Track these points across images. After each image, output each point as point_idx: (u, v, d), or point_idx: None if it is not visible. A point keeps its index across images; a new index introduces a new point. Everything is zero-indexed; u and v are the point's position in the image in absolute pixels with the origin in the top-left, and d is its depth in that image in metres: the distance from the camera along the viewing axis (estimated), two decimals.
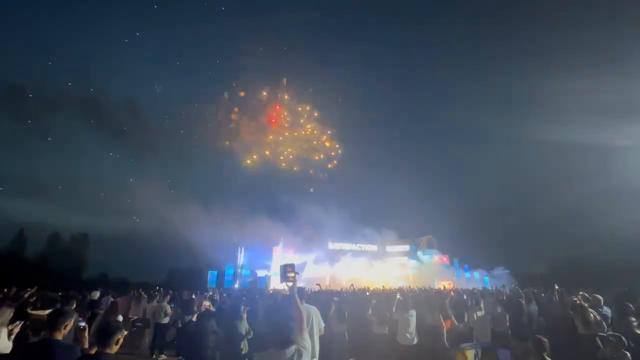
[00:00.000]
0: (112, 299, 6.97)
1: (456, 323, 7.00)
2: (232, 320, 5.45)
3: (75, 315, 2.90)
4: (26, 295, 5.80)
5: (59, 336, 2.52)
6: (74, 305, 5.35)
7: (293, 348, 2.26)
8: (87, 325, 3.06)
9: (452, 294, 10.40)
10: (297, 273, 2.94)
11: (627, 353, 3.37)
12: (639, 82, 36.42)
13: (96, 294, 7.88)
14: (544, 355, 2.96)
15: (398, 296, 7.07)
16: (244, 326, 5.39)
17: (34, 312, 5.47)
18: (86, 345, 2.87)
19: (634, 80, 36.63)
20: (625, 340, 3.48)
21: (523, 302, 6.41)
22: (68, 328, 2.63)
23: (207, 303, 6.55)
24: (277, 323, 2.35)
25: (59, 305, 6.14)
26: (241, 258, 30.63)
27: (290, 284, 2.87)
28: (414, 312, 6.17)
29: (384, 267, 36.21)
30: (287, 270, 2.89)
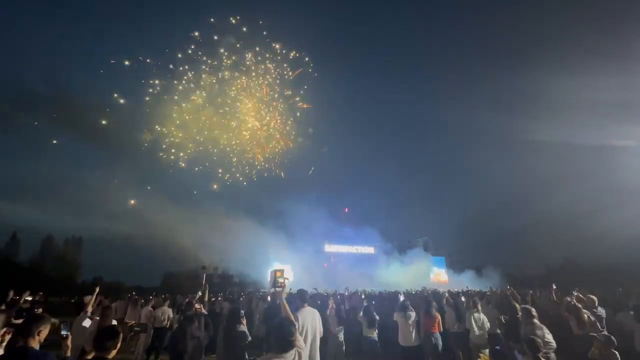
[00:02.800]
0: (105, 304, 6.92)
1: (454, 324, 7.05)
2: (231, 324, 5.44)
3: (53, 322, 2.82)
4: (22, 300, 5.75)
5: (33, 343, 2.43)
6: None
7: (293, 351, 2.28)
8: (69, 334, 2.97)
9: (447, 295, 10.44)
10: (287, 279, 2.95)
11: (616, 352, 3.41)
12: (637, 83, 36.64)
13: (88, 298, 7.82)
14: (538, 355, 2.99)
15: (402, 297, 7.06)
16: (243, 330, 5.37)
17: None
18: (68, 354, 2.81)
19: (633, 81, 36.87)
20: (615, 340, 3.52)
21: (516, 304, 6.48)
22: (42, 334, 2.54)
23: (197, 306, 6.48)
24: (278, 327, 2.37)
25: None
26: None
27: (279, 289, 2.88)
28: (413, 314, 6.20)
29: (382, 269, 36.21)
30: (276, 276, 2.90)
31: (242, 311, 5.94)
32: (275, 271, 2.98)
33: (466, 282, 31.25)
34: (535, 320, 4.50)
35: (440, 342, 6.18)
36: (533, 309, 4.73)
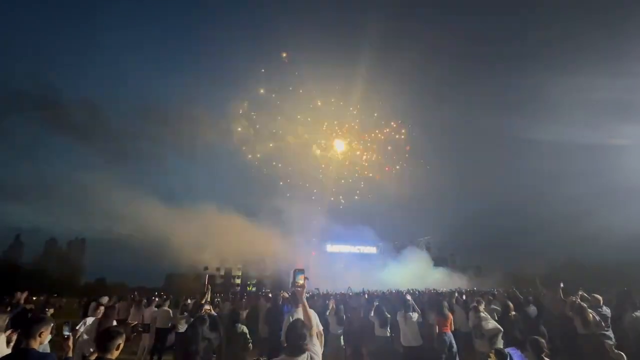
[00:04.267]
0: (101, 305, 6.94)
1: (455, 325, 7.01)
2: (232, 323, 5.48)
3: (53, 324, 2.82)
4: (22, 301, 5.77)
5: (35, 345, 2.45)
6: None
7: (305, 355, 2.25)
8: (71, 335, 2.97)
9: (457, 295, 10.39)
10: (307, 279, 2.92)
11: (622, 354, 3.38)
12: (635, 82, 36.34)
13: (104, 299, 7.88)
14: (542, 355, 2.97)
15: (408, 297, 7.03)
16: (243, 329, 5.39)
17: None
18: (70, 354, 2.81)
19: (632, 81, 36.56)
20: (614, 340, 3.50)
21: (509, 302, 6.45)
22: (44, 336, 2.56)
23: (207, 307, 6.51)
24: (292, 330, 2.32)
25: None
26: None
27: (299, 289, 2.85)
28: (417, 314, 6.17)
29: (382, 268, 36.15)
30: (297, 276, 2.88)
31: (245, 312, 5.96)
32: (296, 271, 2.94)
33: (468, 281, 31.16)
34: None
35: (454, 342, 6.10)
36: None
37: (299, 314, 4.02)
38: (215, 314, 6.44)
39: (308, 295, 11.53)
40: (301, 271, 2.91)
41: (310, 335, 2.44)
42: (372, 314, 6.54)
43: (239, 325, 5.46)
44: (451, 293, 11.60)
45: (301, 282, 2.86)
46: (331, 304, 7.00)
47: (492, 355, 3.13)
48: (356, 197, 35.37)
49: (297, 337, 2.25)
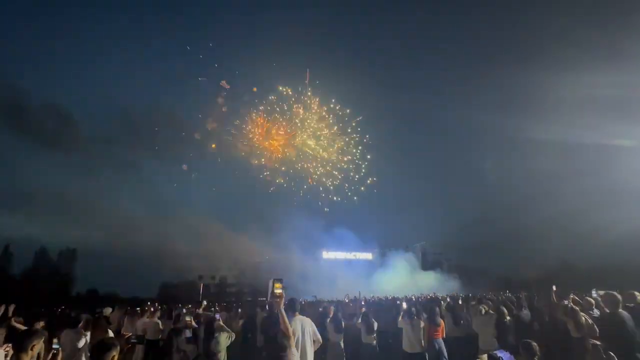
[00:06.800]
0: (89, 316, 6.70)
1: (453, 329, 7.03)
2: (208, 332, 5.38)
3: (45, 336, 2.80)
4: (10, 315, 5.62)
5: (26, 358, 2.47)
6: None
7: None
8: (60, 348, 2.94)
9: (448, 299, 10.43)
10: (286, 288, 2.94)
11: (612, 354, 3.43)
12: (633, 81, 36.21)
13: (108, 310, 7.78)
14: (535, 359, 3.01)
15: (404, 304, 7.04)
16: (222, 337, 5.25)
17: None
18: None
19: (630, 79, 36.48)
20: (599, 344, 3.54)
21: (503, 308, 6.49)
22: (36, 349, 2.57)
23: (188, 318, 6.42)
24: (273, 341, 2.37)
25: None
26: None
27: (277, 300, 2.85)
28: (419, 320, 6.20)
29: (379, 274, 36.11)
30: (274, 287, 2.89)
31: (241, 321, 5.89)
32: (274, 281, 2.97)
33: (463, 286, 31.23)
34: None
35: (443, 348, 6.18)
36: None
37: (296, 323, 4.03)
38: (196, 326, 6.35)
39: (303, 304, 11.45)
40: (279, 280, 2.93)
41: (290, 345, 2.46)
42: (359, 320, 6.55)
43: (218, 333, 5.29)
44: (443, 298, 11.63)
45: (279, 291, 2.87)
46: (331, 312, 6.98)
47: (484, 359, 3.16)
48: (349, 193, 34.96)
49: (278, 349, 2.28)
